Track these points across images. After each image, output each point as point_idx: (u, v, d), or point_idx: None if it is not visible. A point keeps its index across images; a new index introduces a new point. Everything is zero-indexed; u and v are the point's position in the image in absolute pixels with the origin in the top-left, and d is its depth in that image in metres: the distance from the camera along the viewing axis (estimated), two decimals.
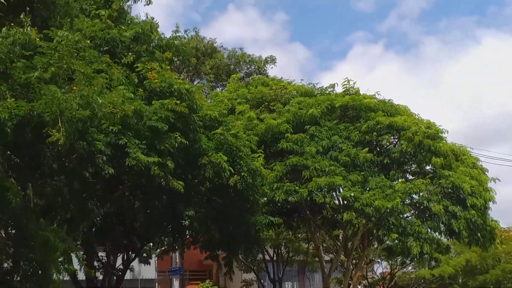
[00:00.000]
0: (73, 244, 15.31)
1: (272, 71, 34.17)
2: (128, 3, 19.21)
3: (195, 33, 31.93)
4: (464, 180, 22.55)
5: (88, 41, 14.05)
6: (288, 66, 53.50)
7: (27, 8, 13.06)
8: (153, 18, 18.48)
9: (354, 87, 25.46)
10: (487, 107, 54.97)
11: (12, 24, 12.58)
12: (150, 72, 16.64)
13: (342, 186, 22.63)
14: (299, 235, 33.16)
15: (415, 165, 24.58)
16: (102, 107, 12.77)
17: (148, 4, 18.86)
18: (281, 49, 61.19)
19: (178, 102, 15.95)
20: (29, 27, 12.39)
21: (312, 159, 22.61)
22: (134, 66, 16.66)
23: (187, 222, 19.73)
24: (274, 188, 22.27)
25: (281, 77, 28.79)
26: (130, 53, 16.09)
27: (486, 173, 24.66)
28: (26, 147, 14.38)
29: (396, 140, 24.42)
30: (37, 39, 12.59)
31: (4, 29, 12.12)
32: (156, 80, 16.52)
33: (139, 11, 22.36)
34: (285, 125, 23.46)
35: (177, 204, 18.06)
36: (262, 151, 20.70)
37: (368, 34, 67.49)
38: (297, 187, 22.39)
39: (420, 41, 68.03)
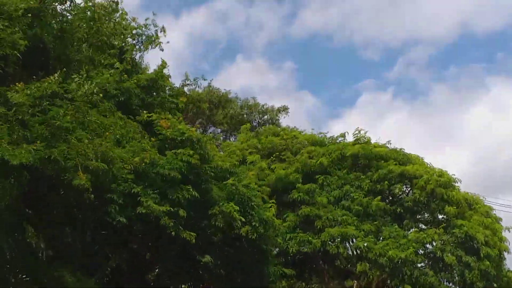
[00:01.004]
0: None
1: (285, 121, 34.72)
2: (139, 54, 19.48)
3: (208, 85, 32.36)
4: (478, 230, 22.30)
5: (101, 95, 14.19)
6: (297, 114, 53.89)
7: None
8: (166, 64, 18.60)
9: (365, 136, 25.50)
10: (500, 154, 54.47)
11: (34, 77, 12.74)
12: (163, 120, 16.85)
13: (355, 236, 22.54)
14: (312, 286, 32.46)
15: (428, 214, 24.38)
16: (117, 160, 13.20)
17: (161, 49, 19.10)
18: (290, 97, 61.96)
19: (191, 153, 16.01)
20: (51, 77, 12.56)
21: (324, 209, 22.63)
22: (147, 115, 16.87)
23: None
24: (287, 238, 22.16)
25: (293, 127, 29.17)
26: (145, 111, 16.07)
27: (500, 222, 24.33)
28: (39, 196, 14.39)
29: (409, 189, 24.29)
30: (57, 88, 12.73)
31: (20, 85, 12.32)
32: (168, 129, 16.68)
33: (148, 60, 23.04)
34: (295, 175, 23.52)
35: (192, 252, 17.79)
36: (274, 202, 20.55)
37: (376, 82, 68.13)
38: (310, 238, 22.34)
39: (429, 88, 68.31)
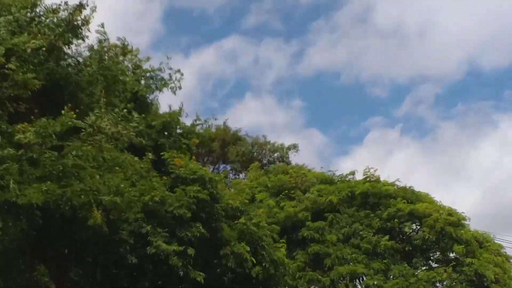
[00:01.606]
0: None
1: (295, 159, 35.05)
2: (153, 95, 19.69)
3: (224, 125, 32.94)
4: (488, 268, 22.26)
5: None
6: (306, 151, 54.36)
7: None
8: (182, 109, 18.89)
9: (375, 174, 25.65)
10: (509, 191, 54.34)
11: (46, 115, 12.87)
12: (177, 159, 17.08)
13: (365, 274, 22.50)
14: None
15: (438, 252, 24.37)
16: (129, 195, 13.26)
17: (174, 92, 19.29)
18: (298, 134, 62.38)
19: (200, 189, 16.19)
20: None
21: (333, 247, 22.69)
22: (161, 154, 17.15)
23: None
24: (296, 277, 22.08)
25: (302, 164, 29.26)
26: (150, 154, 16.21)
27: (511, 260, 24.24)
28: (50, 235, 14.40)
29: (418, 227, 24.28)
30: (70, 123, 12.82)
31: (24, 125, 12.38)
32: (181, 168, 16.89)
33: (159, 98, 23.63)
34: (304, 213, 23.67)
35: None
36: (284, 241, 20.64)
37: (384, 119, 68.37)
38: (319, 276, 22.32)
39: (437, 126, 68.43)
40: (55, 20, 14.77)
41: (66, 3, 14.71)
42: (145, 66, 19.16)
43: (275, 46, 72.83)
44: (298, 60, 72.77)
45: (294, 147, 35.44)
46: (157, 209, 15.69)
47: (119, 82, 16.13)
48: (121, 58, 17.77)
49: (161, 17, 67.95)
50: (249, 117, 62.47)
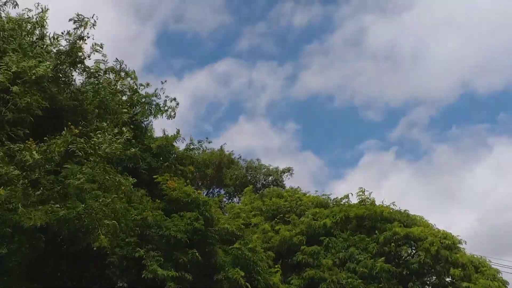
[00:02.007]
0: None
1: (289, 182, 34.98)
2: (147, 120, 19.63)
3: (221, 148, 32.96)
4: None
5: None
6: (300, 175, 54.02)
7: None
8: (178, 131, 18.91)
9: (369, 197, 25.35)
10: (505, 214, 54.21)
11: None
12: (170, 181, 17.15)
13: None
14: None
15: (434, 277, 23.87)
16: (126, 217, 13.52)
17: (170, 118, 19.35)
18: (293, 157, 62.29)
19: (196, 216, 16.25)
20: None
21: (329, 271, 22.20)
22: (154, 176, 17.25)
23: None
24: None
25: (297, 187, 29.16)
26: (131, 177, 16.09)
27: (507, 285, 23.65)
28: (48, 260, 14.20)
29: (414, 251, 23.92)
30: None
31: (30, 142, 12.38)
32: (174, 191, 16.96)
33: (154, 123, 23.73)
34: (299, 237, 23.31)
35: None
36: (279, 266, 20.36)
37: (379, 142, 68.12)
38: None
39: (432, 149, 68.25)
40: (58, 48, 15.15)
41: (68, 32, 14.94)
42: (142, 90, 19.15)
43: (268, 69, 73.19)
44: (292, 83, 73.08)
45: (288, 170, 35.35)
46: (152, 232, 15.59)
47: (115, 113, 16.11)
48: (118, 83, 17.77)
49: (154, 40, 68.12)
50: (243, 140, 62.38)
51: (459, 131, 69.68)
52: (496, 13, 66.39)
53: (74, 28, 14.88)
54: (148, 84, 19.15)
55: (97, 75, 15.71)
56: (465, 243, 23.57)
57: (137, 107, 19.19)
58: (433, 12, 70.67)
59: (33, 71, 13.09)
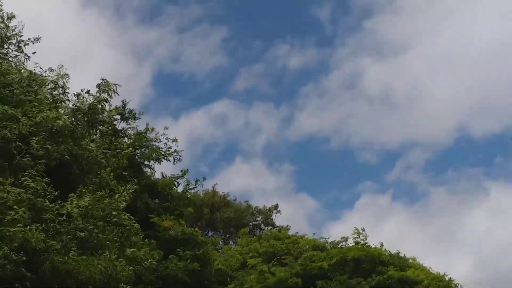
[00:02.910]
0: None
1: (281, 221, 35.24)
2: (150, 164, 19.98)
3: (213, 189, 33.46)
4: None
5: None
6: (296, 216, 54.59)
7: None
8: (185, 172, 20.28)
9: (365, 239, 25.61)
10: (502, 259, 53.97)
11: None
12: (164, 221, 17.73)
13: None
14: None
15: None
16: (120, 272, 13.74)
17: (176, 162, 20.19)
18: (288, 199, 62.75)
19: (194, 254, 16.34)
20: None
21: None
22: (150, 216, 17.70)
23: None
24: None
25: (288, 226, 29.82)
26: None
27: None
28: None
29: None
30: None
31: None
32: (170, 231, 17.58)
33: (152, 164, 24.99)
34: (295, 279, 23.36)
35: None
36: None
37: (375, 185, 68.50)
38: None
39: (428, 191, 68.82)
40: (78, 104, 16.09)
41: (88, 91, 16.07)
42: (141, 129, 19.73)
43: (264, 110, 74.31)
44: (288, 124, 74.12)
45: (276, 208, 35.39)
46: (147, 275, 15.60)
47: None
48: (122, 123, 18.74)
49: (151, 81, 69.92)
50: (239, 181, 62.92)
51: (455, 174, 70.04)
52: (493, 55, 68.06)
53: (97, 91, 16.00)
54: (152, 129, 19.59)
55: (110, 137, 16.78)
56: (462, 287, 23.65)
57: (141, 150, 19.56)
58: (429, 55, 72.20)
59: (54, 123, 14.06)
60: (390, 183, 69.27)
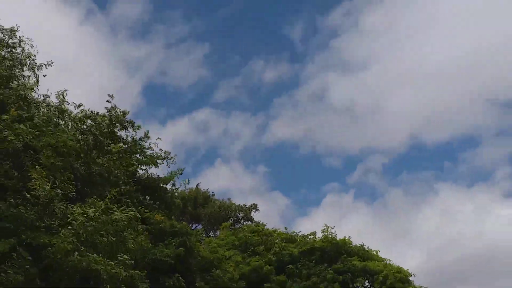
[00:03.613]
0: None
1: (257, 217, 37.83)
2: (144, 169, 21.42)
3: (196, 187, 35.87)
4: None
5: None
6: (270, 212, 58.04)
7: None
8: (180, 170, 21.90)
9: (333, 233, 26.73)
10: (452, 250, 58.06)
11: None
12: (156, 215, 19.01)
13: None
14: None
15: None
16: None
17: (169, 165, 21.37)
18: (263, 197, 66.32)
19: (179, 241, 18.01)
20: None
21: None
22: (145, 210, 18.58)
23: None
24: None
25: (263, 222, 31.09)
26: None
27: None
28: None
29: (370, 284, 25.36)
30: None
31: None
32: (162, 224, 18.82)
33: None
34: (268, 266, 24.69)
35: None
36: None
37: (339, 185, 72.92)
38: None
39: (386, 192, 73.43)
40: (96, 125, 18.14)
41: (110, 109, 18.60)
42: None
43: (242, 119, 77.99)
44: (263, 132, 77.91)
45: (255, 206, 37.88)
46: (139, 256, 16.87)
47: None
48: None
49: (141, 91, 72.58)
50: (218, 182, 65.78)
51: (409, 177, 74.76)
52: (441, 75, 72.95)
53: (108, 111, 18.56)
54: (149, 137, 20.78)
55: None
56: (415, 276, 25.13)
57: (135, 156, 20.62)
58: (387, 72, 77.48)
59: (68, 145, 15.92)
60: (352, 184, 73.21)
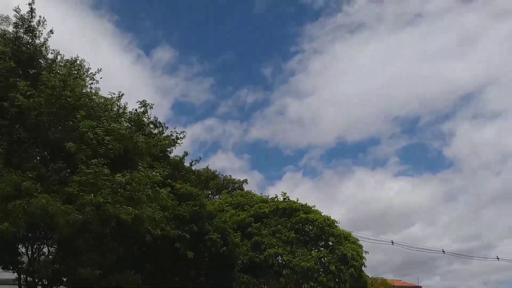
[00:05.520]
0: None
1: (245, 187, 49.98)
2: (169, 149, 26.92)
3: (206, 167, 47.69)
4: (349, 251, 30.81)
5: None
6: (252, 184, 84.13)
7: None
8: (187, 154, 27.48)
9: (289, 197, 34.95)
10: (361, 207, 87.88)
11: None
12: (178, 184, 25.21)
13: (282, 254, 31.28)
14: (259, 284, 39.19)
15: (323, 242, 32.78)
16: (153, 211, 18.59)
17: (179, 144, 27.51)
18: (247, 174, 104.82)
19: (194, 203, 24.48)
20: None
21: (266, 238, 31.55)
22: (172, 183, 24.22)
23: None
24: (245, 256, 30.62)
25: (250, 190, 40.36)
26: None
27: (362, 248, 32.88)
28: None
29: (310, 228, 33.06)
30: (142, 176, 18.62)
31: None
32: (181, 190, 25.04)
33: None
34: (250, 218, 32.58)
35: (190, 264, 24.47)
36: (239, 234, 29.06)
37: (293, 167, 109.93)
38: (258, 255, 31.14)
39: (322, 171, 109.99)
40: (129, 116, 22.27)
41: (141, 105, 22.96)
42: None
43: (234, 125, 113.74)
44: (246, 133, 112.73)
45: (245, 181, 50.17)
46: (169, 215, 22.31)
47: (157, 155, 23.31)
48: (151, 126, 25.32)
49: (170, 107, 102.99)
50: (220, 164, 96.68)
51: (337, 162, 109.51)
52: (360, 97, 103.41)
53: (139, 106, 23.04)
54: (166, 128, 26.48)
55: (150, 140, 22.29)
56: (339, 223, 33.05)
57: (163, 141, 25.25)
58: (327, 96, 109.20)
59: (119, 131, 18.76)
60: (301, 167, 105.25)
